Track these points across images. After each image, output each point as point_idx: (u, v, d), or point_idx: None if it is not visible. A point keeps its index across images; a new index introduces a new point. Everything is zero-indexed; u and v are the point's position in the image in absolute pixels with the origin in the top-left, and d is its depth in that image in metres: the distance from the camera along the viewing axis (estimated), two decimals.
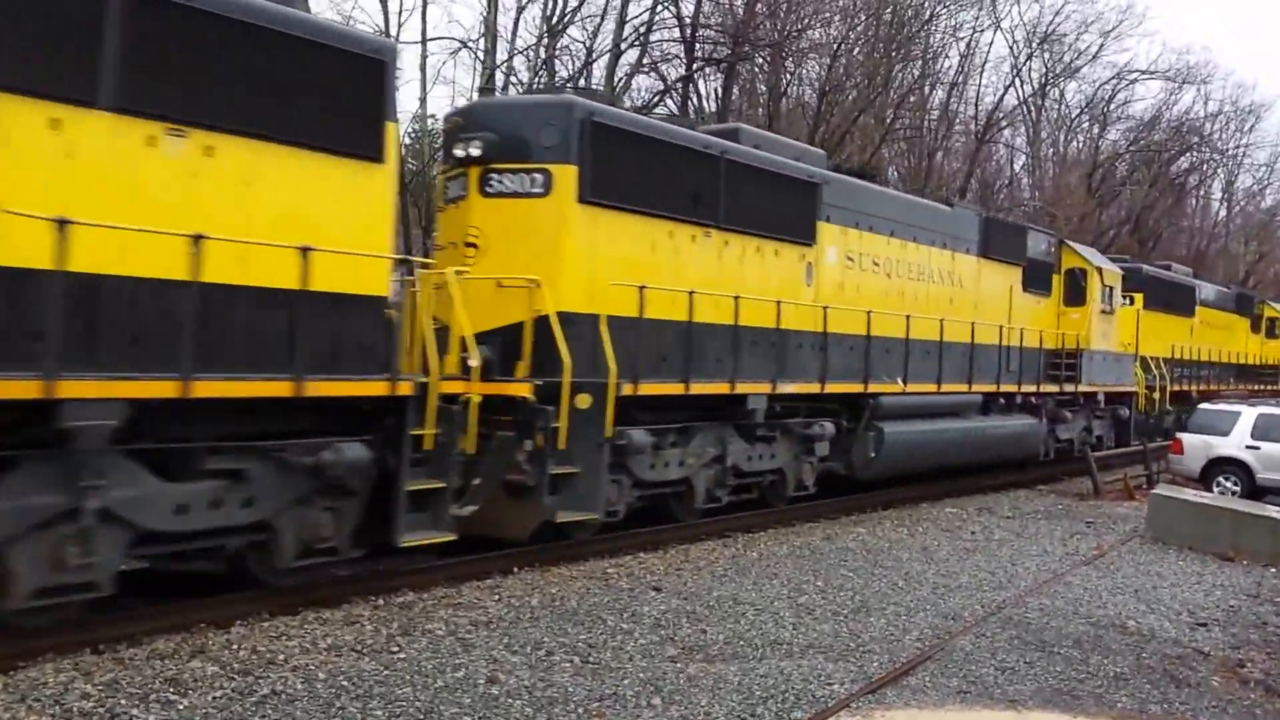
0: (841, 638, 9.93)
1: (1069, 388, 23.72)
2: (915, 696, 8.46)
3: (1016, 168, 54.69)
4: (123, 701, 7.22)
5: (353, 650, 8.65)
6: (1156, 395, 28.99)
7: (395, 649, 8.75)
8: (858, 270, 17.70)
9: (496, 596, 10.65)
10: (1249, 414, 21.32)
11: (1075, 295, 24.58)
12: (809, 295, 16.43)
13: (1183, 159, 57.44)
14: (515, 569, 11.80)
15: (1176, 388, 29.91)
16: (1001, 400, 21.44)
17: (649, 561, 12.79)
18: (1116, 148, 54.50)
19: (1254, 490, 20.34)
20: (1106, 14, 75.40)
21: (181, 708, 7.21)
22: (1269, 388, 37.92)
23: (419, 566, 11.28)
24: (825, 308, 16.47)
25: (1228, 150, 63.45)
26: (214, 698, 7.40)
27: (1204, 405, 23.48)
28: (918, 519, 17.29)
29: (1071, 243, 25.89)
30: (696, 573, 12.28)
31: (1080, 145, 56.23)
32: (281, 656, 8.37)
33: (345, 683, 7.86)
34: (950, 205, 22.11)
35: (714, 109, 34.74)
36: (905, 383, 18.17)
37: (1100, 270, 25.13)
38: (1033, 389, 22.44)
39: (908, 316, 18.22)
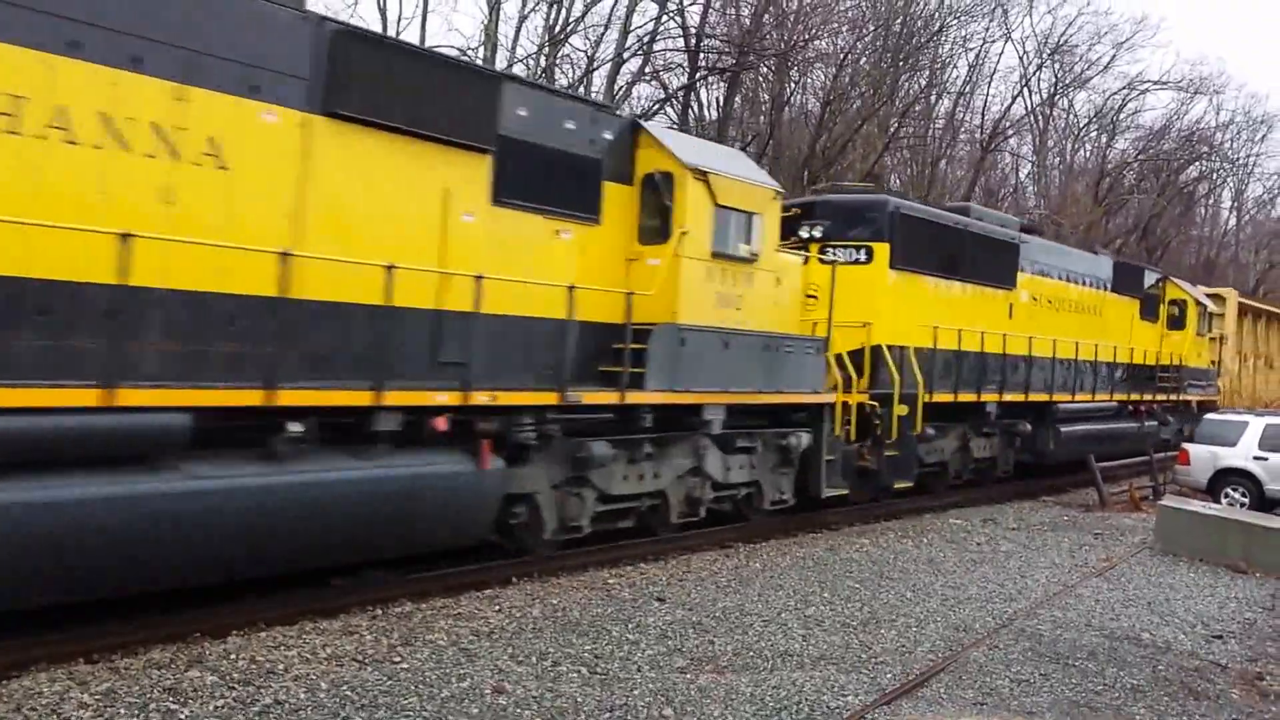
0: (853, 649, 9.77)
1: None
2: (931, 708, 8.33)
3: (1022, 176, 54.61)
4: (121, 711, 7.09)
5: (354, 660, 8.49)
6: (870, 409, 17.65)
7: (397, 659, 8.60)
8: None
9: (496, 607, 10.48)
10: (1256, 424, 21.12)
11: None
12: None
13: (1192, 168, 57.32)
14: (514, 579, 11.63)
15: (949, 397, 19.44)
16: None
17: (650, 572, 12.61)
18: (1125, 156, 54.38)
19: (1262, 501, 20.13)
20: (1120, 25, 75.54)
21: (182, 717, 7.07)
22: (1168, 398, 28.98)
23: (415, 576, 11.11)
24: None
25: (1238, 160, 63.42)
26: (215, 707, 7.26)
27: (1210, 415, 23.30)
28: (922, 530, 17.10)
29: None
30: (700, 583, 12.11)
31: (1088, 154, 56.14)
32: (281, 666, 8.21)
33: (349, 693, 7.72)
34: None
35: (715, 117, 34.66)
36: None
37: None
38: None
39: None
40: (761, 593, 11.80)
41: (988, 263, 21.03)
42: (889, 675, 8.99)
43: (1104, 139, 55.08)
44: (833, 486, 16.12)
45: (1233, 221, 71.05)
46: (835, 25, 35.16)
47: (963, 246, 20.33)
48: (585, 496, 12.47)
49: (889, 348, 17.79)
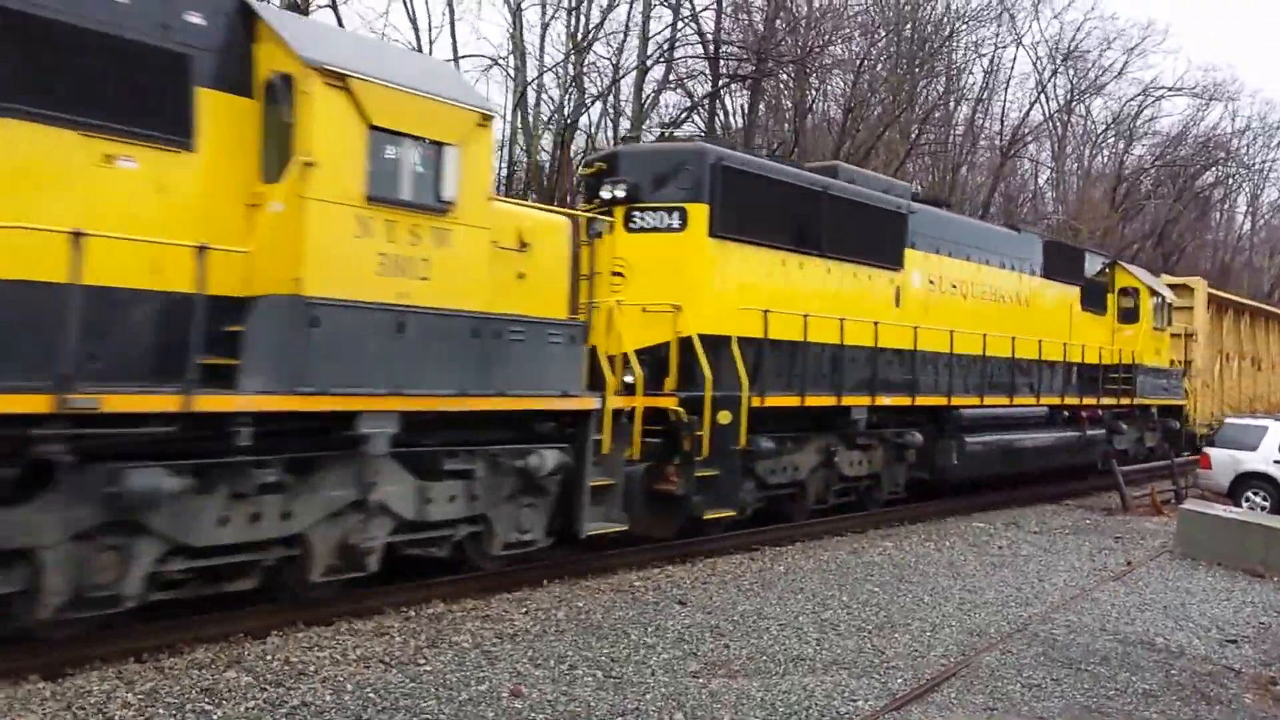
0: (865, 654, 9.91)
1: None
2: (941, 713, 8.44)
3: (1040, 182, 54.54)
4: (160, 711, 7.33)
5: (381, 662, 8.72)
6: (677, 416, 14.00)
7: (422, 661, 8.81)
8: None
9: (524, 609, 10.70)
10: (1277, 428, 21.16)
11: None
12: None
13: (1208, 173, 57.12)
14: (545, 581, 11.86)
15: (789, 400, 15.41)
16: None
17: (675, 575, 12.81)
18: (1142, 163, 54.25)
19: None
20: (1128, 31, 75.24)
21: (215, 718, 7.30)
22: (1118, 402, 24.79)
23: (449, 579, 11.34)
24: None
25: (1253, 165, 63.16)
26: (246, 709, 7.49)
27: (1231, 419, 23.35)
28: (944, 533, 17.24)
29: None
30: (722, 587, 12.30)
31: (1105, 160, 56.02)
32: (313, 668, 8.45)
33: (372, 694, 7.93)
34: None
35: (740, 125, 34.82)
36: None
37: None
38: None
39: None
40: (781, 596, 11.97)
41: (861, 235, 17.13)
42: (900, 680, 9.13)
43: (1121, 145, 54.99)
44: (604, 520, 12.20)
45: (1248, 226, 70.72)
46: (847, 31, 35.29)
47: (819, 213, 16.32)
48: (136, 551, 8.37)
49: (704, 338, 13.98)
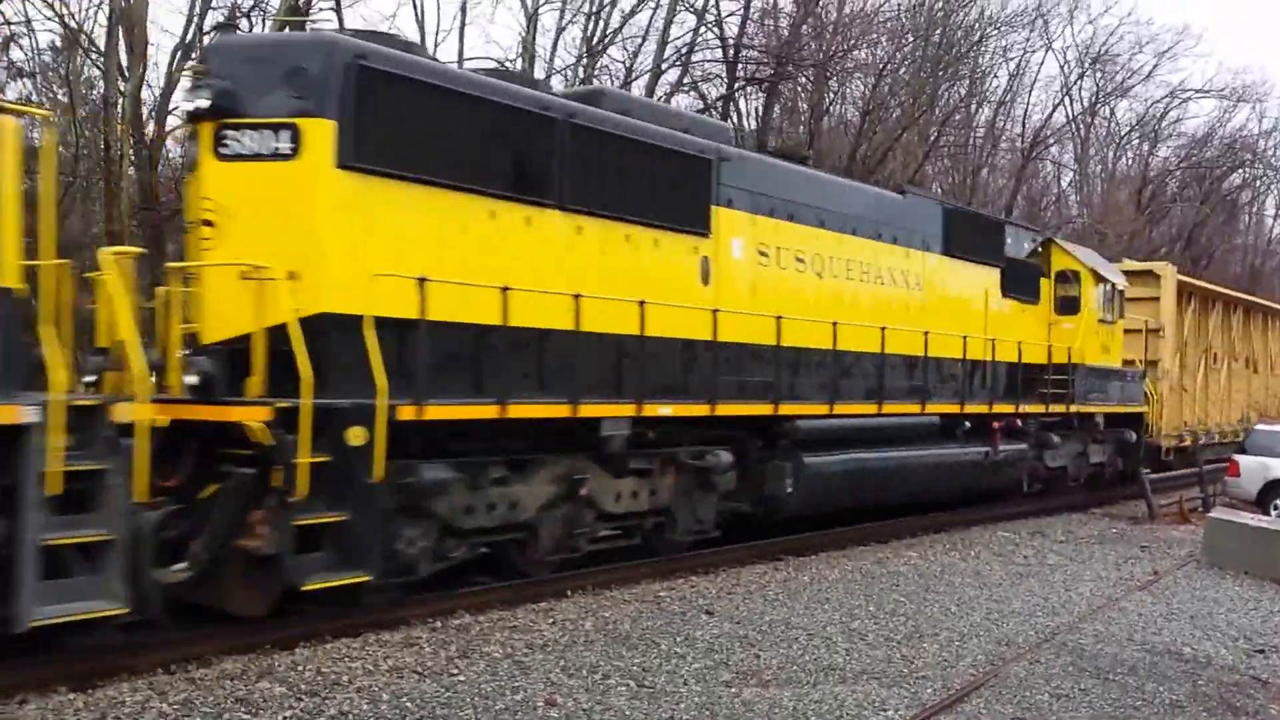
0: (895, 663, 9.93)
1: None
2: None
3: (1064, 184, 54.34)
4: None
5: (414, 672, 8.78)
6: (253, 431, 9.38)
7: (455, 671, 8.86)
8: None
9: (551, 619, 10.74)
10: None
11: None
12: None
13: (1235, 175, 56.83)
14: (569, 592, 11.89)
15: (466, 411, 10.87)
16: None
17: (700, 585, 12.83)
18: (1167, 165, 54.02)
19: None
20: (1161, 35, 74.74)
21: None
22: (1048, 409, 20.61)
23: (473, 590, 11.44)
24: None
25: None
26: (284, 718, 7.57)
27: (1261, 425, 23.19)
28: (970, 542, 17.22)
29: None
30: (748, 596, 12.32)
31: (1130, 162, 55.79)
32: (346, 678, 8.51)
33: (409, 704, 7.98)
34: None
35: (754, 127, 34.81)
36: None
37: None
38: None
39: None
40: (808, 606, 11.98)
41: (637, 185, 12.69)
42: (930, 690, 9.14)
43: (1146, 147, 54.77)
44: (73, 600, 7.74)
45: (1277, 229, 70.20)
46: (874, 36, 35.27)
47: (556, 149, 11.79)
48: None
49: (331, 319, 9.81)
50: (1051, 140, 47.96)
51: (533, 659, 9.34)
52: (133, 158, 21.47)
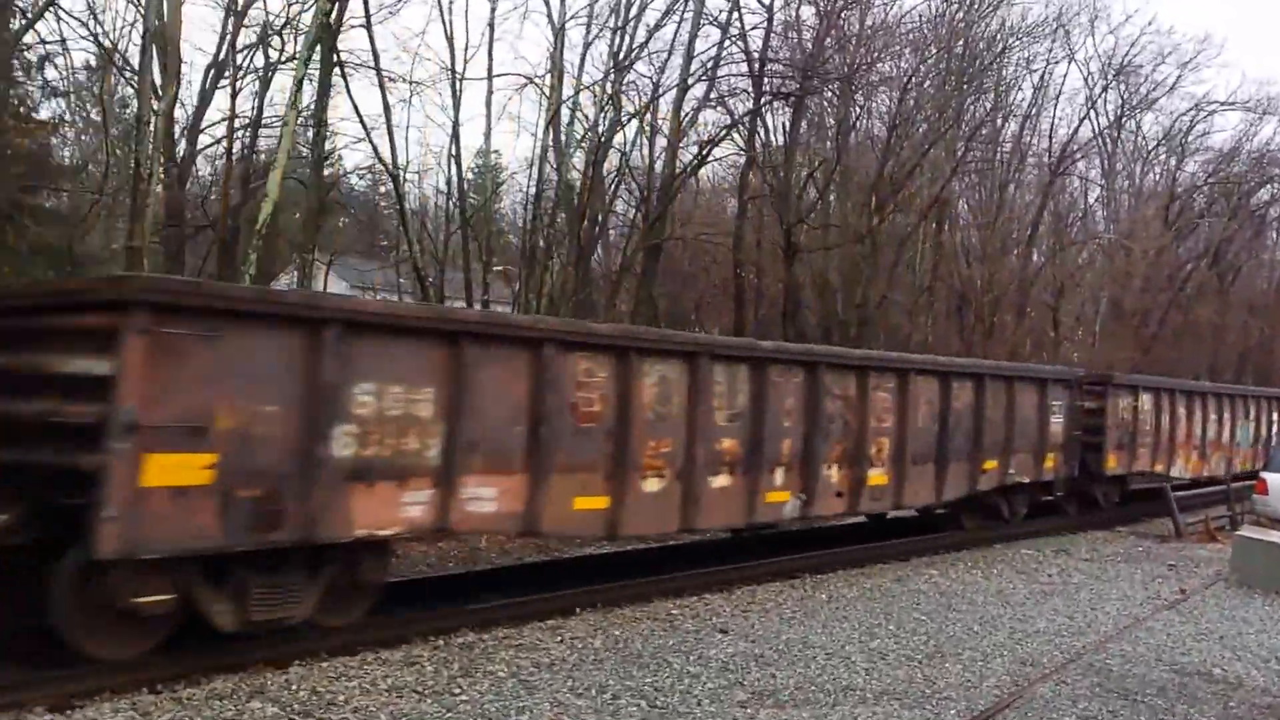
0: (916, 684, 9.65)
1: None
2: None
3: (1091, 200, 53.86)
4: None
5: (414, 692, 8.55)
6: None
7: (457, 690, 8.64)
8: None
9: (559, 638, 10.51)
10: None
11: None
12: None
13: (1263, 190, 56.16)
14: (578, 610, 11.64)
15: None
16: None
17: (714, 603, 12.57)
18: (1194, 179, 53.46)
19: None
20: (1183, 45, 74.39)
21: None
22: None
23: (479, 606, 11.19)
24: None
25: None
26: None
27: None
28: (992, 560, 16.88)
29: None
30: (764, 615, 12.06)
31: (1157, 177, 55.28)
32: (342, 698, 8.29)
33: None
34: None
35: (781, 143, 34.60)
36: None
37: None
38: None
39: None
40: (826, 625, 11.72)
41: None
42: (953, 712, 8.87)
43: (1173, 162, 54.20)
44: None
45: None
46: (897, 48, 35.02)
47: None
48: None
49: None
50: (1079, 155, 47.51)
51: (539, 678, 9.11)
52: (162, 175, 21.49)
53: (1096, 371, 24.40)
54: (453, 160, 28.46)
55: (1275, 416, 30.56)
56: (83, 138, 30.79)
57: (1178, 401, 24.70)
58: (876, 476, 15.65)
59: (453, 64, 27.35)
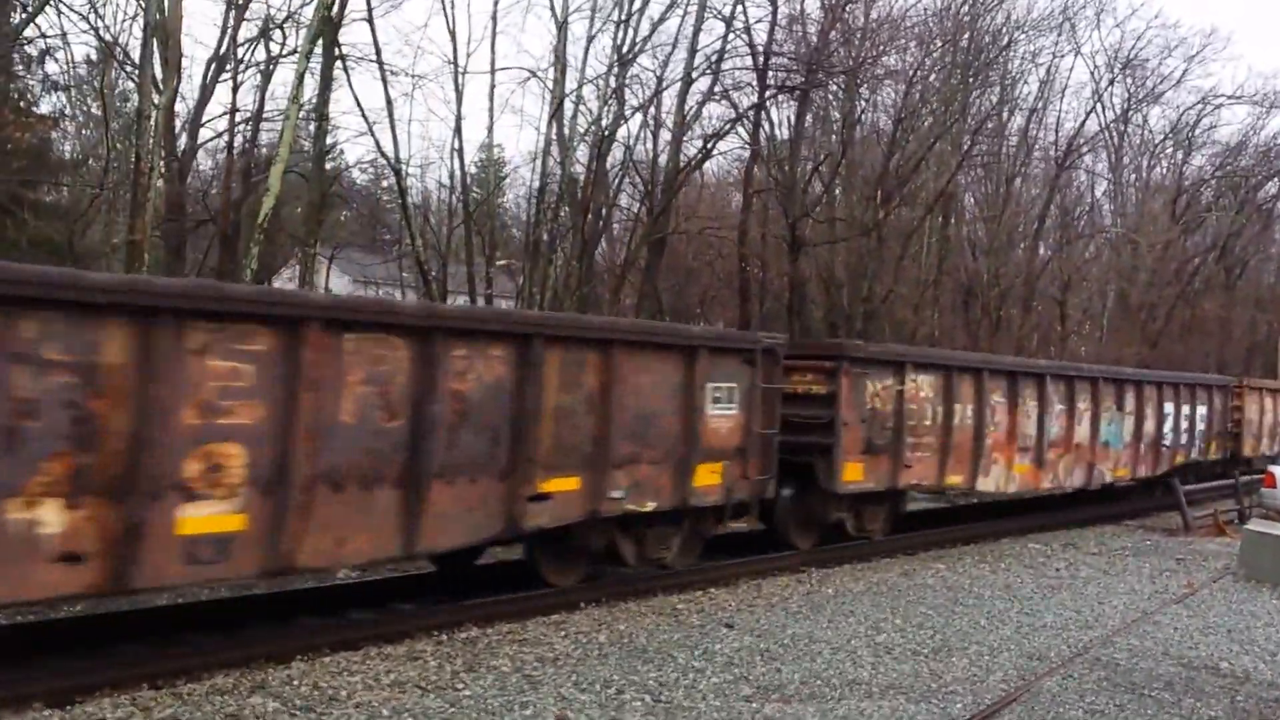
0: (922, 678, 9.57)
1: None
2: None
3: (1098, 194, 53.66)
4: None
5: (417, 686, 8.49)
6: None
7: (460, 685, 8.58)
8: None
9: (563, 633, 10.44)
10: None
11: None
12: None
13: (1271, 184, 55.93)
14: (582, 604, 11.58)
15: None
16: None
17: (720, 597, 12.51)
18: (1201, 173, 53.24)
19: None
20: (1190, 38, 74.11)
21: None
22: None
23: (481, 601, 11.12)
24: None
25: None
26: None
27: None
28: (1000, 555, 16.78)
29: None
30: (770, 609, 11.98)
31: (1164, 171, 55.06)
32: (344, 693, 8.23)
33: None
34: None
35: (786, 137, 34.47)
36: None
37: None
38: None
39: None
40: (832, 619, 11.64)
41: None
42: (959, 705, 8.79)
43: (1180, 155, 53.97)
44: None
45: None
46: (902, 41, 34.87)
47: None
48: None
49: None
50: (1085, 149, 47.31)
51: (543, 673, 9.04)
52: (163, 170, 21.44)
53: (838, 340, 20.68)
54: (455, 154, 28.50)
55: (1173, 408, 23.41)
56: (83, 132, 30.73)
57: (990, 386, 17.62)
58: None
59: (455, 57, 27.30)
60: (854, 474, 15.05)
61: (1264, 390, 29.01)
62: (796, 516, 15.24)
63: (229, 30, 26.01)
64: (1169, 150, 54.13)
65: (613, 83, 29.28)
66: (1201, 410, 24.74)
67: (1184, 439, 23.96)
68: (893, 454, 15.67)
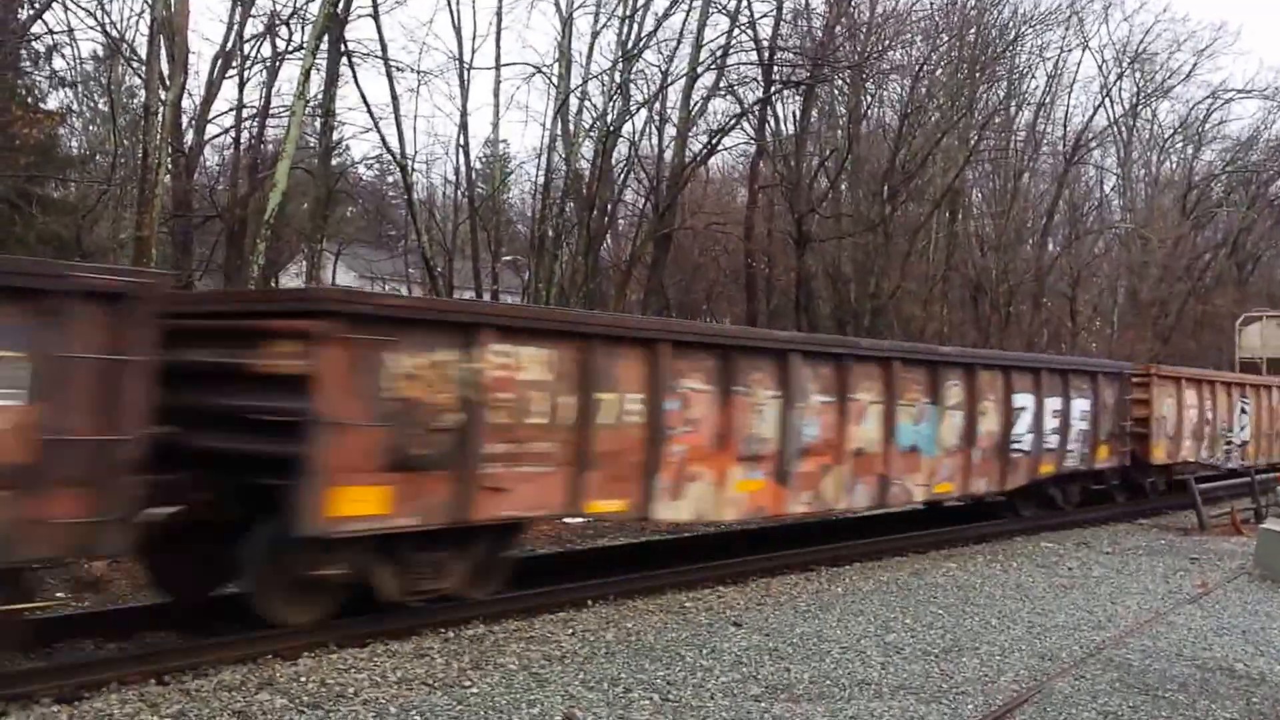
0: (933, 678, 9.48)
1: None
2: None
3: (1107, 189, 53.46)
4: None
5: (424, 684, 8.44)
6: None
7: (467, 683, 8.51)
8: None
9: (570, 630, 10.37)
10: None
11: None
12: None
13: None
14: (589, 602, 11.51)
15: None
16: None
17: (728, 595, 12.43)
18: (1212, 168, 53.04)
19: None
20: (1199, 32, 74.04)
21: None
22: None
23: (491, 598, 11.04)
24: None
25: None
26: None
27: None
28: (1011, 554, 16.67)
29: None
30: (778, 608, 11.89)
31: (1174, 166, 54.87)
32: (351, 689, 8.18)
33: (417, 717, 7.67)
34: None
35: (791, 132, 34.38)
36: None
37: None
38: None
39: None
40: (841, 618, 11.54)
41: None
42: (970, 706, 8.70)
43: (1190, 150, 53.78)
44: None
45: None
46: (909, 36, 34.74)
47: None
48: None
49: None
50: (1094, 144, 47.14)
51: (550, 671, 8.97)
52: (170, 165, 21.41)
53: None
54: (461, 150, 28.45)
55: (1031, 402, 17.98)
56: (90, 128, 30.80)
57: (677, 367, 12.04)
58: None
59: (460, 53, 27.34)
60: (359, 505, 9.25)
61: (1183, 380, 23.31)
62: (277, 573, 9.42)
63: (235, 26, 26.08)
64: (1179, 145, 54.02)
65: (617, 78, 29.23)
66: (1082, 405, 19.38)
67: (1051, 442, 18.57)
68: (459, 469, 9.96)
